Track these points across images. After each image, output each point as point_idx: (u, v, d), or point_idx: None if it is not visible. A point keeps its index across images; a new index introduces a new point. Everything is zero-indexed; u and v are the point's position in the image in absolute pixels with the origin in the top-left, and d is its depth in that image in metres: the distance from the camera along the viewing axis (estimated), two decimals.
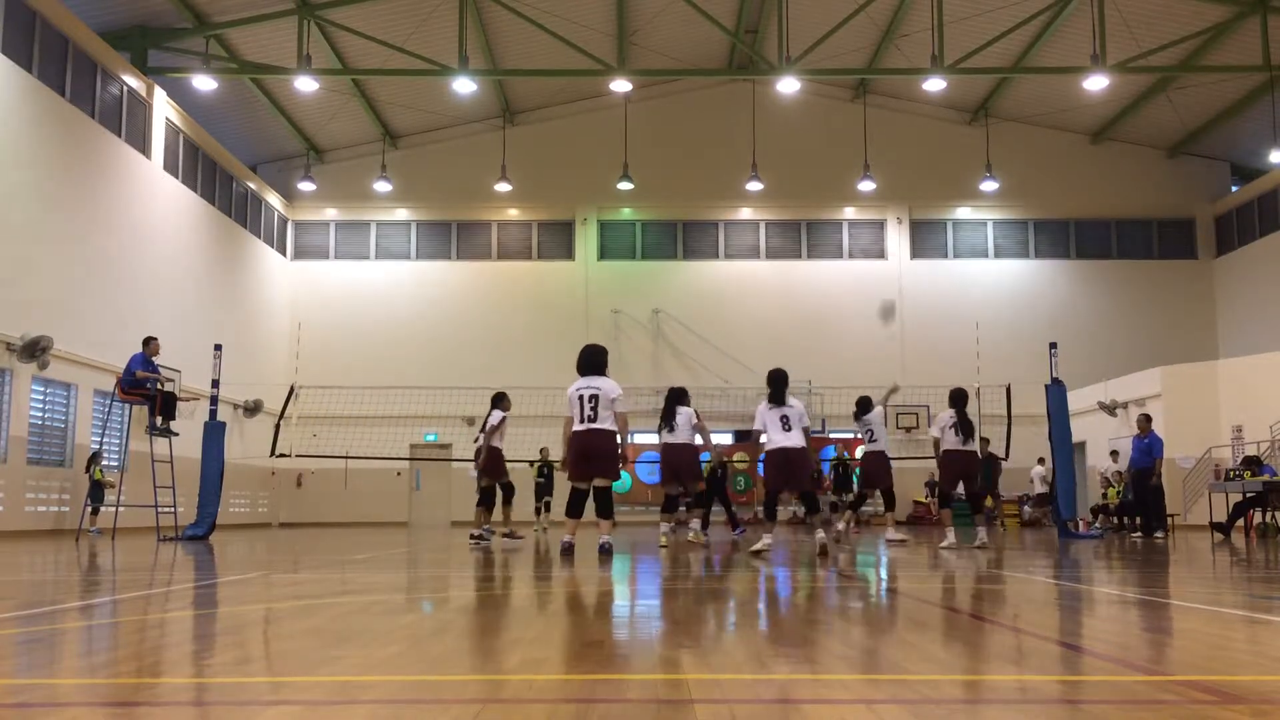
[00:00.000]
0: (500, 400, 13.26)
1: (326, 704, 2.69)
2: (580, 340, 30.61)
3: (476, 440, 13.33)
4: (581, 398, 9.59)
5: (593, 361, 9.81)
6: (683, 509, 15.08)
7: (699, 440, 12.17)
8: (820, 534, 10.18)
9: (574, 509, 9.79)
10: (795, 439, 10.23)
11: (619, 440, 9.69)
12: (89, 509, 16.84)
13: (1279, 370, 21.71)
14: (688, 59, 26.43)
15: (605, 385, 9.63)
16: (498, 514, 13.36)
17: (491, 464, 12.99)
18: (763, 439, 10.38)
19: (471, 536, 12.84)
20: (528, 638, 4.01)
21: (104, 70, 19.93)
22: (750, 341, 28.77)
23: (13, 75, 17.03)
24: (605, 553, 9.45)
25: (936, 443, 12.41)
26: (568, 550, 9.47)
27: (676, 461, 11.88)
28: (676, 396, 12.12)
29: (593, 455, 9.56)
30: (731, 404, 28.72)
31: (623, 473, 12.07)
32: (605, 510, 9.73)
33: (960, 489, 12.86)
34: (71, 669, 3.37)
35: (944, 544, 11.90)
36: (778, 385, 10.43)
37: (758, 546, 10.14)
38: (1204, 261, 30.05)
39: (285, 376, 26.20)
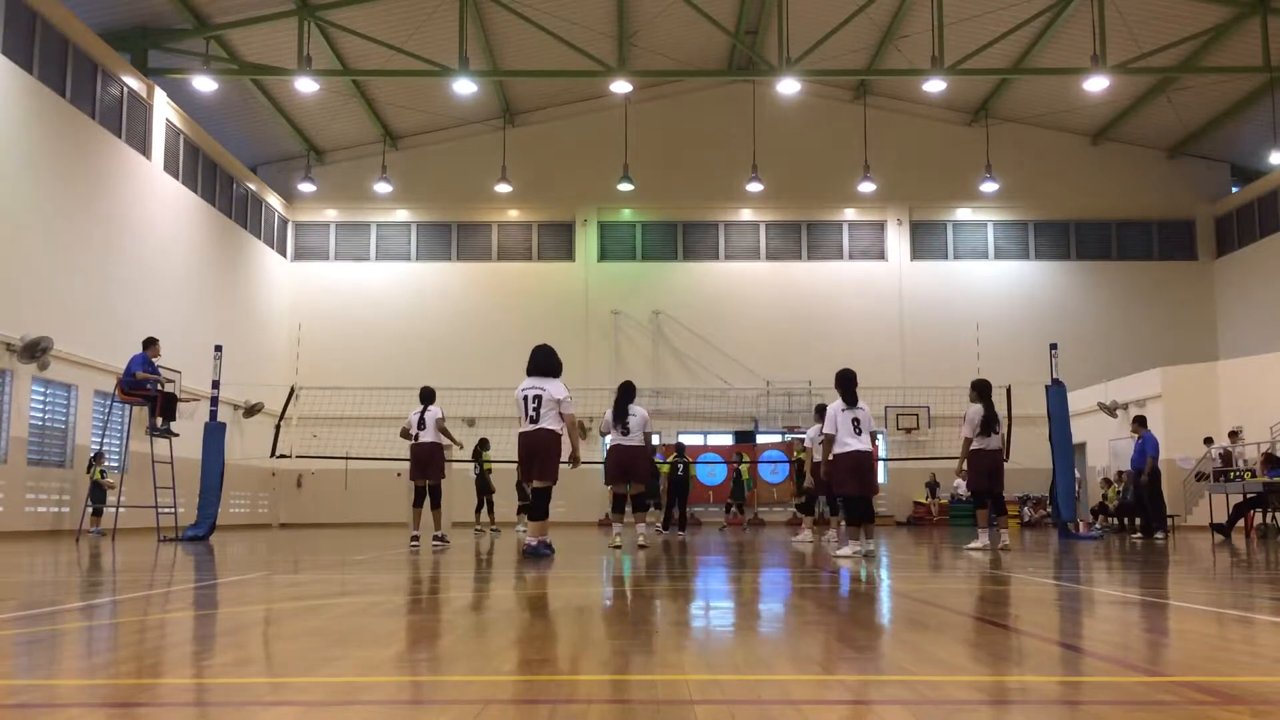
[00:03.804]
0: (434, 395, 12.70)
1: (327, 705, 2.69)
2: (581, 341, 30.79)
3: (417, 437, 12.55)
4: (525, 398, 9.30)
5: (539, 363, 9.53)
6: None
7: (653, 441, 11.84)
8: (869, 543, 10.14)
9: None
10: (867, 443, 10.13)
11: (563, 442, 9.30)
12: (90, 510, 16.80)
13: (1279, 371, 21.71)
14: (688, 60, 26.43)
15: (550, 387, 9.32)
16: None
17: (438, 463, 12.50)
18: (838, 443, 10.09)
19: (435, 538, 12.36)
20: (528, 638, 4.01)
21: (104, 71, 19.93)
22: (750, 343, 28.78)
23: (13, 76, 17.03)
24: (533, 556, 9.12)
25: (967, 442, 11.97)
26: (532, 551, 9.18)
27: (630, 463, 11.54)
28: (630, 395, 11.74)
29: (534, 455, 9.24)
30: (731, 405, 28.74)
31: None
32: (538, 512, 9.38)
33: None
34: (72, 669, 3.37)
35: (974, 545, 11.71)
36: (849, 386, 10.14)
37: (844, 552, 9.91)
38: (1204, 263, 30.04)
39: (285, 377, 26.22)
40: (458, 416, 24.99)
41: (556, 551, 9.71)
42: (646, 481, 12.17)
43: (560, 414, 9.29)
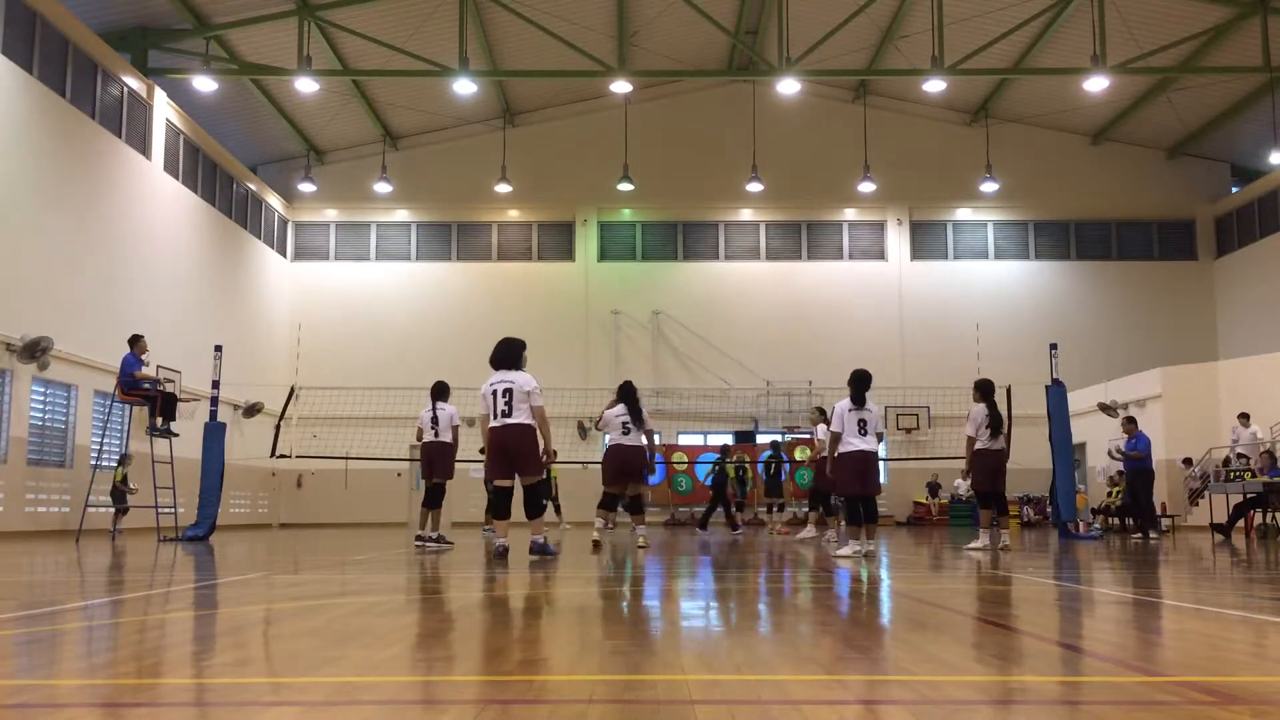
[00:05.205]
0: (448, 390, 12.62)
1: (327, 705, 2.70)
2: (581, 341, 30.79)
3: (433, 437, 12.27)
4: (495, 393, 9.06)
5: (505, 355, 9.31)
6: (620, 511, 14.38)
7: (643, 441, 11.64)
8: (870, 543, 10.03)
9: (501, 510, 9.34)
10: (872, 443, 10.09)
11: (539, 436, 9.15)
12: (113, 510, 17.25)
13: (1279, 371, 21.71)
14: (688, 60, 26.43)
15: (519, 378, 9.09)
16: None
17: (446, 462, 12.38)
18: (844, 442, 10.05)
19: (433, 539, 12.28)
20: (527, 638, 4.01)
21: (104, 71, 19.93)
22: (750, 343, 28.77)
23: (13, 76, 17.02)
24: (539, 553, 9.07)
25: (971, 441, 12.01)
26: (503, 554, 8.96)
27: (633, 464, 11.45)
28: (635, 393, 11.66)
29: (512, 451, 9.01)
30: (731, 405, 28.74)
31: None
32: (535, 509, 9.25)
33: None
34: (71, 669, 3.37)
35: (974, 545, 11.76)
36: (859, 386, 10.08)
37: (844, 552, 9.87)
38: (1204, 263, 30.04)
39: (285, 377, 26.21)
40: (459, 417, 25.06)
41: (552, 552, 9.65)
42: (644, 482, 12.09)
43: (531, 406, 9.09)
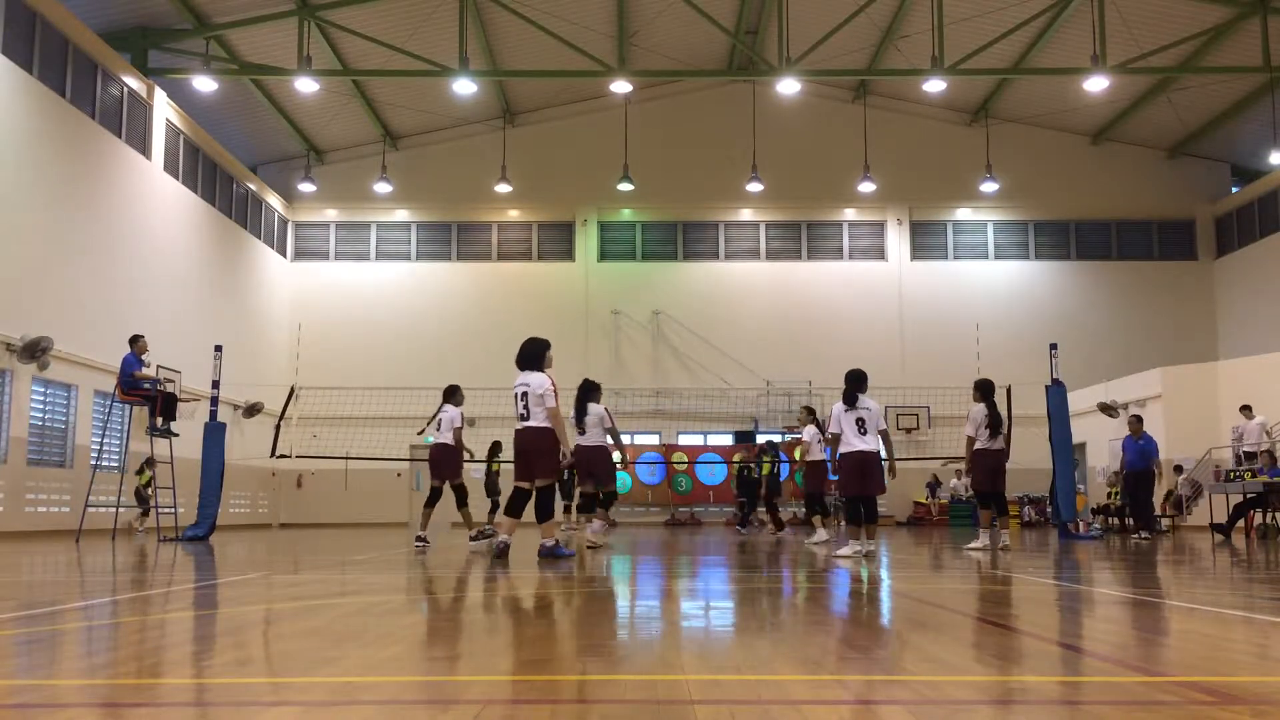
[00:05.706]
0: (457, 393, 12.70)
1: (327, 705, 2.70)
2: (581, 341, 30.81)
3: (431, 437, 12.46)
4: (516, 396, 9.19)
5: (526, 356, 9.32)
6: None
7: (609, 440, 11.68)
8: (870, 543, 9.97)
9: (513, 508, 9.30)
10: (871, 443, 10.01)
11: (556, 438, 9.13)
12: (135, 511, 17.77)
13: (1279, 371, 21.70)
14: (688, 60, 26.43)
15: (534, 381, 9.09)
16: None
17: (449, 463, 12.47)
18: (843, 443, 10.01)
19: (474, 536, 12.57)
20: (528, 638, 4.02)
21: (104, 71, 19.93)
22: (750, 343, 28.78)
23: (13, 76, 17.02)
24: (547, 556, 9.02)
25: (970, 441, 12.01)
26: (503, 552, 9.04)
27: (586, 463, 11.49)
28: (587, 393, 11.67)
29: (526, 453, 9.11)
30: (731, 405, 28.74)
31: (623, 473, 12.01)
32: (544, 512, 9.20)
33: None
34: (71, 669, 3.37)
35: (974, 545, 11.76)
36: (852, 386, 10.05)
37: (844, 552, 9.88)
38: (1204, 263, 30.04)
39: (285, 377, 26.22)
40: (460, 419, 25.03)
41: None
42: (610, 481, 12.03)
43: (545, 409, 9.09)
